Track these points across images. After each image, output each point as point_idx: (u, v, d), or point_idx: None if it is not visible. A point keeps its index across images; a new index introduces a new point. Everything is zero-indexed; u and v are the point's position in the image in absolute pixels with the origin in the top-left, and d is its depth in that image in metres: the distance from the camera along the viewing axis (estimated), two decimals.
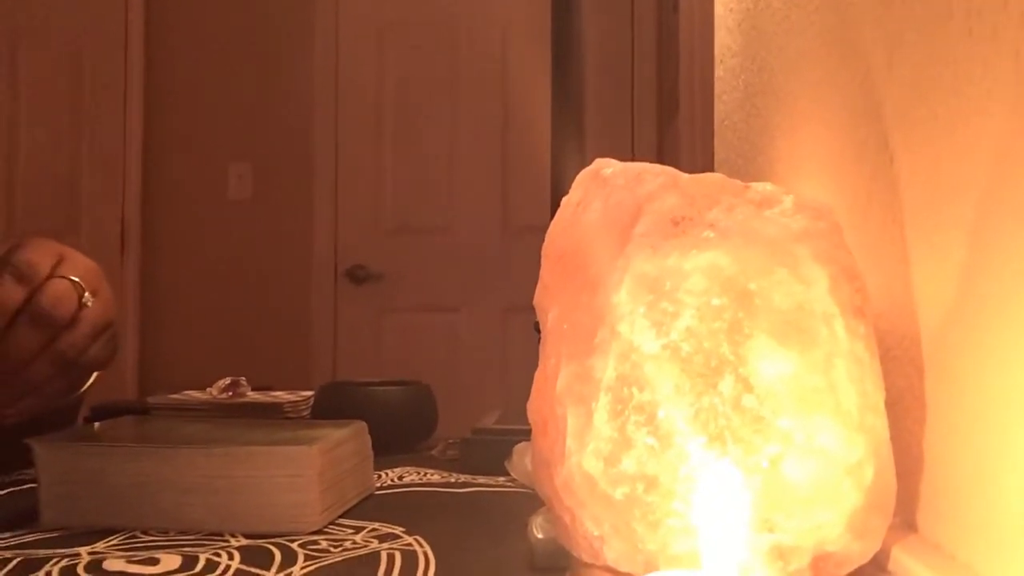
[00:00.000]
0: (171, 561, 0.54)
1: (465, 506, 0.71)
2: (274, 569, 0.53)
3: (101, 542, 0.59)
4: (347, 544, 0.59)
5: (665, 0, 2.54)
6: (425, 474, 0.84)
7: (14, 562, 0.54)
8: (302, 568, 0.53)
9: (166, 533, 0.61)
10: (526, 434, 0.46)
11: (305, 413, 1.03)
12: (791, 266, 0.39)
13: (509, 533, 0.58)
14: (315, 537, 0.60)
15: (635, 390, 0.38)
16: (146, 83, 3.14)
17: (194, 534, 0.61)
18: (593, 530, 0.39)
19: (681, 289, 0.38)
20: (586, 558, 0.41)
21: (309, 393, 1.06)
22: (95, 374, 0.75)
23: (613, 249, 0.40)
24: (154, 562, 0.54)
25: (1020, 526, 0.34)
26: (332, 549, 0.57)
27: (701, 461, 0.36)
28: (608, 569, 0.40)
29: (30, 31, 3.15)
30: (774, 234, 0.40)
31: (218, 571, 0.53)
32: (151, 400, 1.05)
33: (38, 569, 0.53)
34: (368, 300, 3.05)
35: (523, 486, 0.74)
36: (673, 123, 2.19)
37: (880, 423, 0.39)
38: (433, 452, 0.96)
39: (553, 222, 0.46)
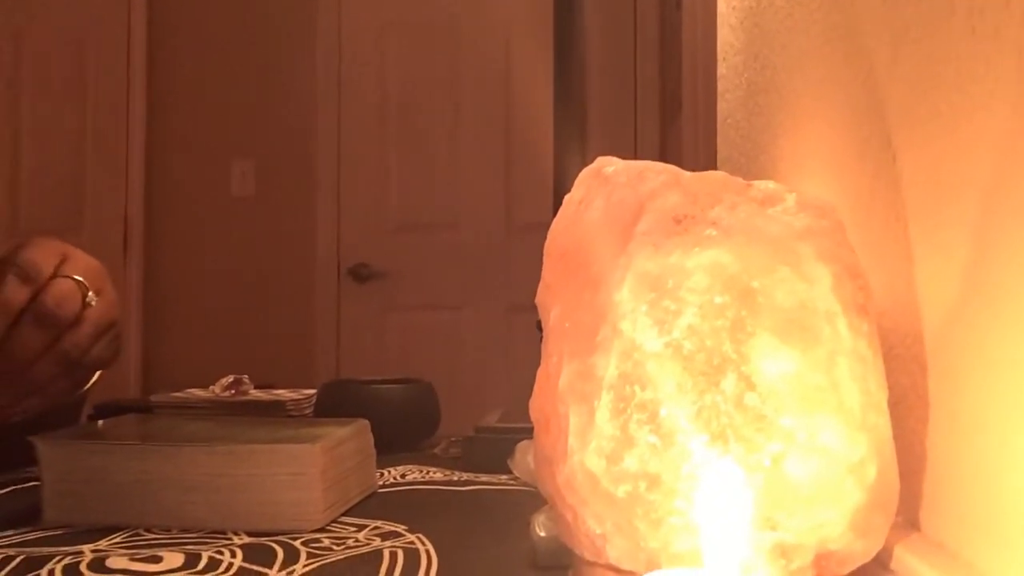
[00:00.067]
0: (174, 559, 0.55)
1: (467, 504, 0.72)
2: (276, 567, 0.53)
3: (104, 540, 0.59)
4: (349, 542, 0.59)
5: None
6: (427, 472, 0.84)
7: (17, 560, 0.54)
8: (304, 566, 0.53)
9: (169, 531, 0.61)
10: (528, 432, 0.46)
11: (308, 411, 1.03)
12: (794, 264, 0.39)
13: (511, 531, 0.58)
14: (317, 535, 0.60)
15: (637, 388, 0.38)
16: (149, 81, 3.14)
17: (197, 532, 0.61)
18: (595, 528, 0.39)
19: (683, 287, 0.38)
20: (588, 556, 0.41)
21: (312, 391, 1.06)
22: (98, 373, 0.75)
23: (615, 247, 0.40)
24: (157, 560, 0.54)
25: (1023, 524, 0.34)
26: (334, 547, 0.57)
27: (703, 459, 0.36)
28: (610, 567, 0.40)
29: (33, 29, 3.16)
30: (777, 232, 0.39)
31: (220, 569, 0.53)
32: (154, 398, 1.05)
33: (41, 567, 0.53)
34: (371, 298, 3.05)
35: (525, 484, 0.74)
36: (676, 121, 2.19)
37: (883, 421, 0.39)
38: (436, 450, 0.96)
39: (555, 220, 0.46)
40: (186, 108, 3.14)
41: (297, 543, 0.58)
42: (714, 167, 1.13)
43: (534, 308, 0.46)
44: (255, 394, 1.05)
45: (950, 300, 0.41)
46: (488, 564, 0.55)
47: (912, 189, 0.46)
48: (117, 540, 0.59)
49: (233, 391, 1.04)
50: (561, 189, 1.05)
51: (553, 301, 0.44)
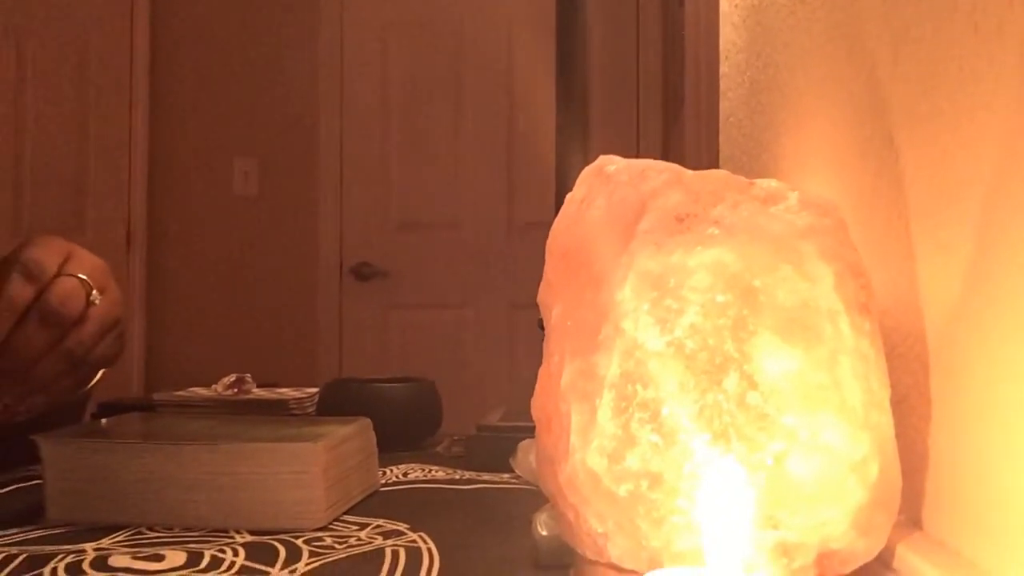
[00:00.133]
0: (176, 557, 0.55)
1: (469, 503, 0.72)
2: (279, 566, 0.53)
3: (106, 538, 0.59)
4: (352, 541, 0.59)
5: None
6: (430, 471, 0.84)
7: (20, 558, 0.54)
8: (307, 564, 0.53)
9: (171, 529, 0.61)
10: (530, 431, 0.46)
11: (310, 410, 1.03)
12: (796, 263, 0.39)
13: (513, 530, 0.58)
14: (320, 534, 0.60)
15: (639, 387, 0.38)
16: (151, 79, 3.14)
17: (199, 530, 0.61)
18: (597, 527, 0.39)
19: (685, 286, 0.38)
20: (590, 555, 0.41)
21: (314, 390, 1.07)
22: (102, 371, 0.75)
23: (617, 246, 0.40)
24: (159, 558, 0.54)
25: None
26: (337, 546, 0.57)
27: (705, 458, 0.36)
28: (612, 566, 0.40)
29: (35, 28, 3.16)
30: (779, 231, 0.39)
31: (223, 567, 0.53)
32: (157, 397, 1.05)
33: (44, 565, 0.53)
34: (373, 297, 3.05)
35: (527, 483, 0.74)
36: (678, 120, 2.18)
37: (885, 420, 0.39)
38: (438, 449, 0.96)
39: (557, 219, 0.46)
40: (189, 107, 3.14)
41: (299, 541, 0.58)
42: (716, 165, 1.13)
43: (536, 307, 0.46)
44: (257, 393, 1.05)
45: (952, 299, 0.41)
46: (490, 563, 0.55)
47: (914, 187, 0.46)
48: (120, 538, 0.59)
49: (236, 390, 1.04)
50: (563, 188, 1.04)
51: (555, 300, 0.44)
